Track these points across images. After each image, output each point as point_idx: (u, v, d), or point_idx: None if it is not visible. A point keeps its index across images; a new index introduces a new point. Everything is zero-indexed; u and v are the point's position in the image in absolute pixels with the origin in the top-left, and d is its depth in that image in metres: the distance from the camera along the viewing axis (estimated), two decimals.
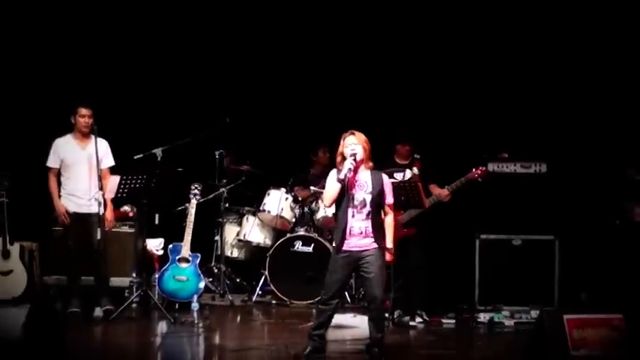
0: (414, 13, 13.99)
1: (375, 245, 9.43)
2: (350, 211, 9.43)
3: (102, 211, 11.69)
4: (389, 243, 9.62)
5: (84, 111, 11.87)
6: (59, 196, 11.92)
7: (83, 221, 11.85)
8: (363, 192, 9.46)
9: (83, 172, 11.82)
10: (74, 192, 11.86)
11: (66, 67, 13.92)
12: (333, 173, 9.56)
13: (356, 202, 9.45)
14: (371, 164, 9.62)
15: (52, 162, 11.94)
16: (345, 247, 9.44)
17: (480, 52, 13.90)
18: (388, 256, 9.54)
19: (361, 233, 9.43)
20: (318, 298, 12.65)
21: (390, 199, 9.64)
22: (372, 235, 9.43)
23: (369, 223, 9.44)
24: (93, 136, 11.89)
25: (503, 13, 13.81)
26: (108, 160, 12.06)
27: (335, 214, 9.81)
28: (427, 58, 13.99)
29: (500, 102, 13.73)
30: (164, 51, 14.12)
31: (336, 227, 9.62)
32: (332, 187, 9.50)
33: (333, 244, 9.72)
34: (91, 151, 11.82)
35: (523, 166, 12.50)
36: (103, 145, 12.04)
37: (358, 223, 9.44)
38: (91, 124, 11.86)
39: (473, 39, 13.91)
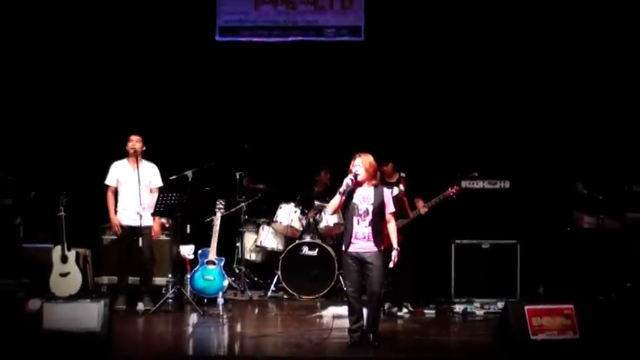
0: (399, 65, 14.16)
1: (376, 249, 9.62)
2: (355, 219, 9.65)
3: (143, 223, 11.81)
4: (395, 244, 9.77)
5: (132, 137, 11.95)
6: (115, 211, 12.01)
7: (132, 232, 11.90)
8: (366, 203, 9.65)
9: (133, 191, 11.84)
10: (126, 207, 11.90)
11: (116, 104, 14.06)
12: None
13: (360, 212, 9.65)
14: (374, 182, 9.78)
15: (109, 181, 11.99)
16: (351, 249, 9.65)
17: (456, 93, 14.04)
18: (395, 255, 9.68)
19: (364, 237, 9.62)
20: (323, 292, 12.85)
21: (390, 208, 9.82)
22: (373, 239, 9.61)
23: (370, 229, 9.62)
24: (143, 160, 12.01)
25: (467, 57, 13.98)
26: (157, 181, 12.11)
27: (341, 224, 9.96)
28: (412, 98, 14.08)
29: (473, 132, 13.80)
30: (194, 96, 14.23)
31: (345, 233, 9.82)
32: (334, 198, 9.71)
33: (343, 248, 9.82)
34: (141, 173, 11.91)
35: (490, 183, 12.54)
36: (153, 168, 12.12)
37: (362, 229, 9.63)
38: (138, 148, 11.94)
39: (448, 84, 14.06)
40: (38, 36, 14.14)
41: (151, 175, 12.07)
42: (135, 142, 11.93)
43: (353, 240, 9.65)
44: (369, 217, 9.63)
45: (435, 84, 14.07)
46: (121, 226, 11.91)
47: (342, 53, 14.25)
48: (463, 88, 14.01)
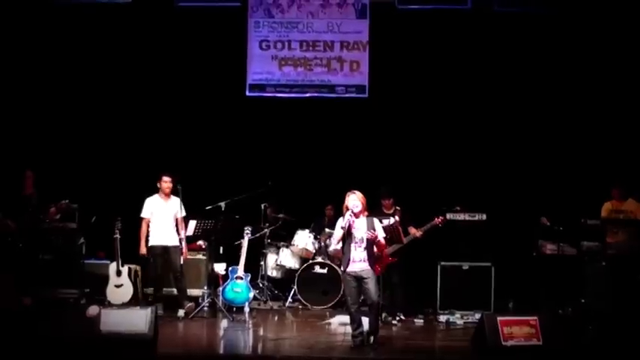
0: (396, 117, 14.31)
1: (369, 268, 9.80)
2: (353, 245, 9.85)
3: (173, 243, 12.04)
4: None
5: (166, 178, 12.08)
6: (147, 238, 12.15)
7: (165, 251, 12.02)
8: (361, 232, 9.86)
9: (166, 220, 12.01)
10: (159, 232, 12.03)
11: (167, 147, 14.20)
12: (340, 221, 9.95)
13: (357, 239, 9.85)
14: (366, 213, 9.96)
15: (145, 214, 12.13)
16: (350, 269, 9.83)
17: (444, 142, 14.20)
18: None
19: (361, 260, 9.82)
20: (331, 303, 12.84)
21: (381, 234, 10.00)
22: (367, 261, 9.82)
23: (365, 254, 9.81)
24: (172, 195, 12.14)
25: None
26: (182, 212, 12.20)
27: (342, 248, 10.04)
28: (407, 144, 14.21)
29: (457, 174, 13.85)
30: (228, 141, 14.35)
31: (344, 256, 9.94)
32: (337, 232, 9.95)
33: (342, 268, 9.97)
34: (171, 206, 12.05)
35: (470, 215, 12.49)
36: (178, 202, 12.19)
37: (359, 253, 9.83)
38: (171, 188, 12.07)
39: (437, 133, 14.23)
40: (107, 88, 14.47)
41: (177, 207, 12.16)
42: (170, 183, 12.09)
43: (351, 262, 9.84)
44: (364, 244, 9.85)
45: (425, 133, 14.18)
46: (156, 247, 12.04)
47: (349, 107, 14.37)
48: (449, 139, 14.13)
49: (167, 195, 12.13)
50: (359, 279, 9.81)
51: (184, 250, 12.20)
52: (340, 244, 10.09)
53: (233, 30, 14.46)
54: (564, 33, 13.86)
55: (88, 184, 13.84)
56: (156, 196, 12.18)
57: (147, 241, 12.12)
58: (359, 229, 9.91)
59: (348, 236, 9.91)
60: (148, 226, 12.13)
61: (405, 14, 14.22)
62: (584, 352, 9.60)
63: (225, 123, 14.35)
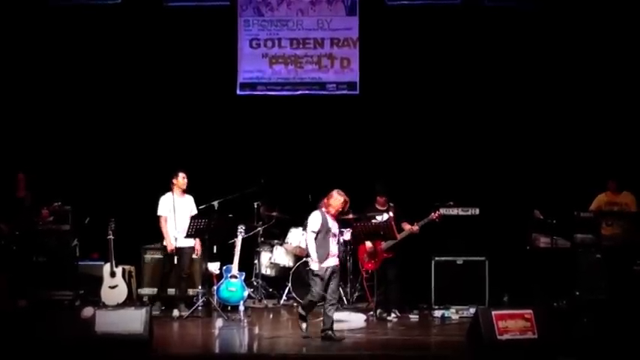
0: (387, 113, 14.30)
1: (338, 262, 10.36)
2: (331, 240, 10.20)
3: (186, 244, 12.05)
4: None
5: (182, 174, 12.08)
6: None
7: (178, 252, 12.01)
8: (335, 227, 10.33)
9: (182, 218, 11.97)
10: (175, 232, 12.01)
11: (157, 146, 14.16)
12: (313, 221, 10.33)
13: (335, 234, 10.29)
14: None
15: (162, 212, 12.09)
16: (327, 264, 10.17)
17: (434, 138, 14.17)
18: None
19: (336, 255, 10.28)
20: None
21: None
22: (339, 255, 10.44)
23: (338, 247, 10.38)
24: (186, 193, 12.17)
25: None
26: (194, 209, 12.24)
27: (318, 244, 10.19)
28: (398, 140, 14.18)
29: (450, 169, 13.84)
30: (220, 139, 14.29)
31: (319, 251, 10.13)
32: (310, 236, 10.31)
33: (315, 264, 10.16)
34: (186, 203, 12.07)
35: (463, 210, 12.51)
36: (192, 199, 12.23)
37: (335, 248, 10.29)
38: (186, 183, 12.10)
39: (427, 129, 14.21)
40: (98, 95, 14.42)
41: (191, 204, 12.21)
42: (186, 178, 12.11)
43: (330, 256, 10.15)
44: (337, 238, 10.33)
45: (417, 129, 14.16)
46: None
47: (341, 104, 14.36)
48: (441, 134, 14.12)
49: (183, 191, 12.12)
50: (331, 273, 10.12)
51: (197, 248, 12.30)
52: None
53: (223, 29, 14.45)
54: (554, 27, 13.88)
55: (81, 185, 13.79)
56: (170, 193, 12.15)
57: (162, 238, 12.15)
58: (334, 225, 10.27)
59: (325, 232, 10.15)
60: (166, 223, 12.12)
61: (395, 10, 14.22)
62: (578, 344, 9.59)
63: (216, 122, 14.32)
